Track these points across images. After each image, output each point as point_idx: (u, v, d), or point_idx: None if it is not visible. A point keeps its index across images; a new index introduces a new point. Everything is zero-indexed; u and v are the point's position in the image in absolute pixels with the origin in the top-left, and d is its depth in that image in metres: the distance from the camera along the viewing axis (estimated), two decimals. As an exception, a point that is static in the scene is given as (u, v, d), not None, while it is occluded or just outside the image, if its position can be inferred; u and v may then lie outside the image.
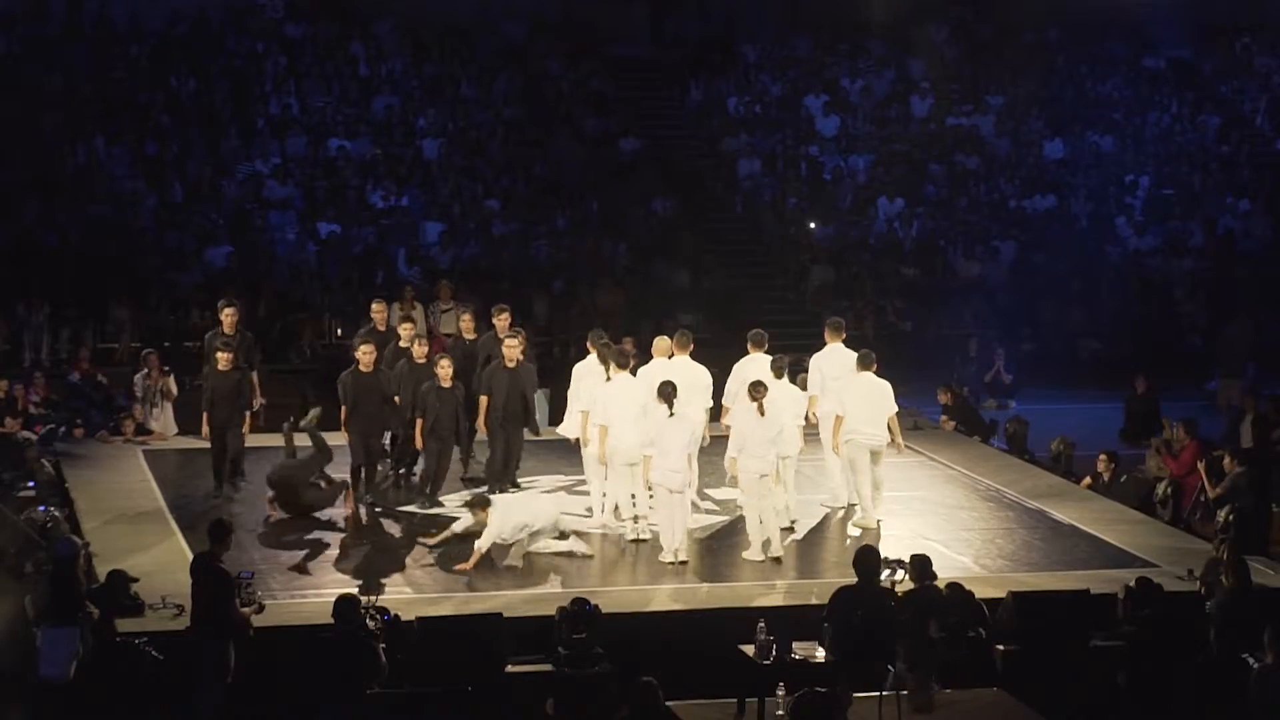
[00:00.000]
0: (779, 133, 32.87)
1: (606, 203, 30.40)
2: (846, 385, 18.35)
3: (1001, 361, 27.78)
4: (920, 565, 14.45)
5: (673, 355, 18.55)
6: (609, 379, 18.09)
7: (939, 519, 18.87)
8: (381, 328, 20.36)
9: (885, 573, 14.16)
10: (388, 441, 19.58)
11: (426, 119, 31.30)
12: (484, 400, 18.91)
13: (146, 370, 22.24)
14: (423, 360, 19.24)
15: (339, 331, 27.00)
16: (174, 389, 22.13)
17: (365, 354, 18.73)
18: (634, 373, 18.19)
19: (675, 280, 28.92)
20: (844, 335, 19.10)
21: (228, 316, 19.89)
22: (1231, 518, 17.70)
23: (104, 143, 29.18)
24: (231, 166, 29.46)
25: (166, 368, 22.42)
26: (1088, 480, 20.49)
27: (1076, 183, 32.97)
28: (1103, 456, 20.58)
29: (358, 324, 26.77)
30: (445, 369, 18.61)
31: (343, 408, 18.57)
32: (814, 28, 35.03)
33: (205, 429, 19.13)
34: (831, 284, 29.50)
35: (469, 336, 20.30)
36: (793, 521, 18.18)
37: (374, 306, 21.07)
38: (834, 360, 18.82)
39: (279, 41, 32.16)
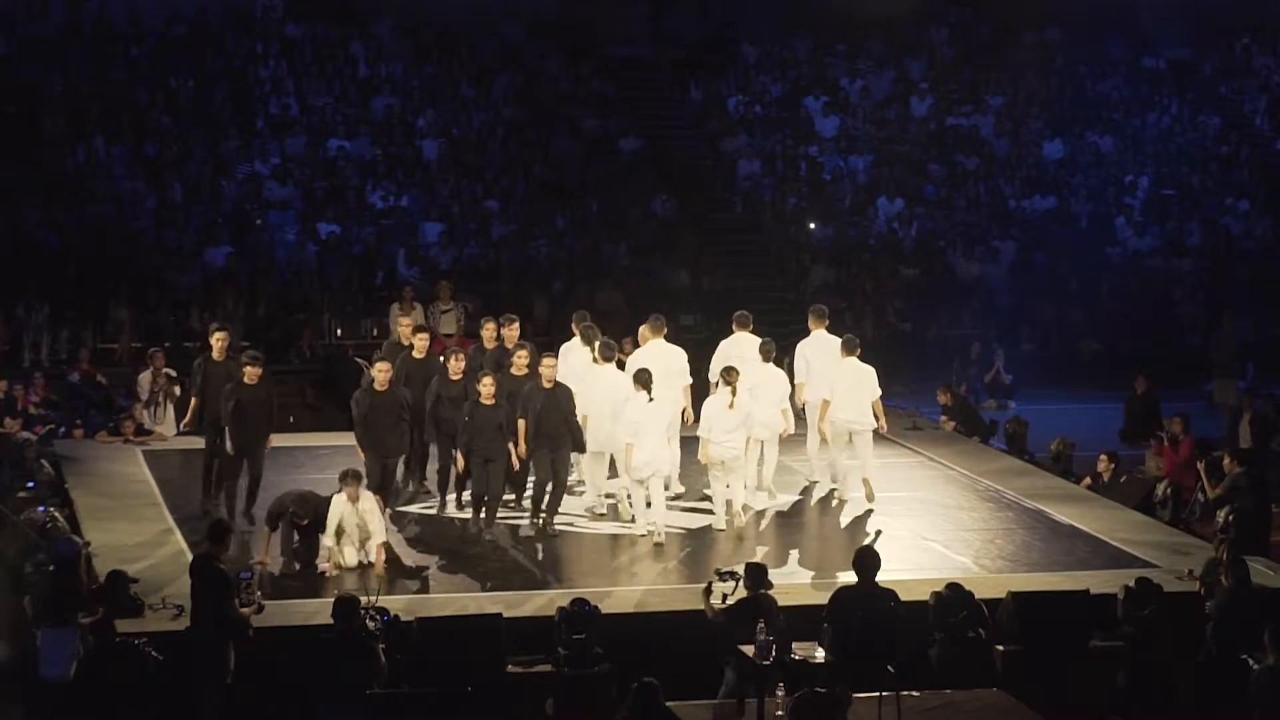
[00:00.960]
0: (779, 133, 32.87)
1: (606, 203, 30.40)
2: (832, 370, 18.80)
3: (1001, 362, 27.79)
4: (754, 573, 14.16)
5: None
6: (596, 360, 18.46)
7: (939, 519, 18.87)
8: (406, 341, 19.53)
9: (719, 582, 14.18)
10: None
11: (426, 119, 31.30)
12: (523, 423, 17.75)
13: (152, 369, 22.16)
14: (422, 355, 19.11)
15: (339, 331, 27.04)
16: (177, 391, 22.08)
17: (382, 372, 17.90)
18: (621, 366, 18.48)
19: (675, 280, 28.93)
20: (827, 322, 19.61)
21: (218, 341, 18.88)
22: (1231, 518, 17.70)
23: (104, 143, 29.18)
24: (231, 167, 29.47)
25: (172, 373, 22.29)
26: (1088, 480, 20.49)
27: (1076, 183, 32.98)
28: (1103, 456, 20.59)
29: (357, 324, 26.99)
30: (488, 386, 17.55)
31: (356, 428, 17.86)
32: (814, 28, 35.01)
33: (230, 445, 17.92)
34: (831, 284, 29.51)
35: (489, 345, 19.30)
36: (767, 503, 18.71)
37: (402, 321, 20.57)
38: (819, 347, 19.30)
39: (279, 41, 32.16)
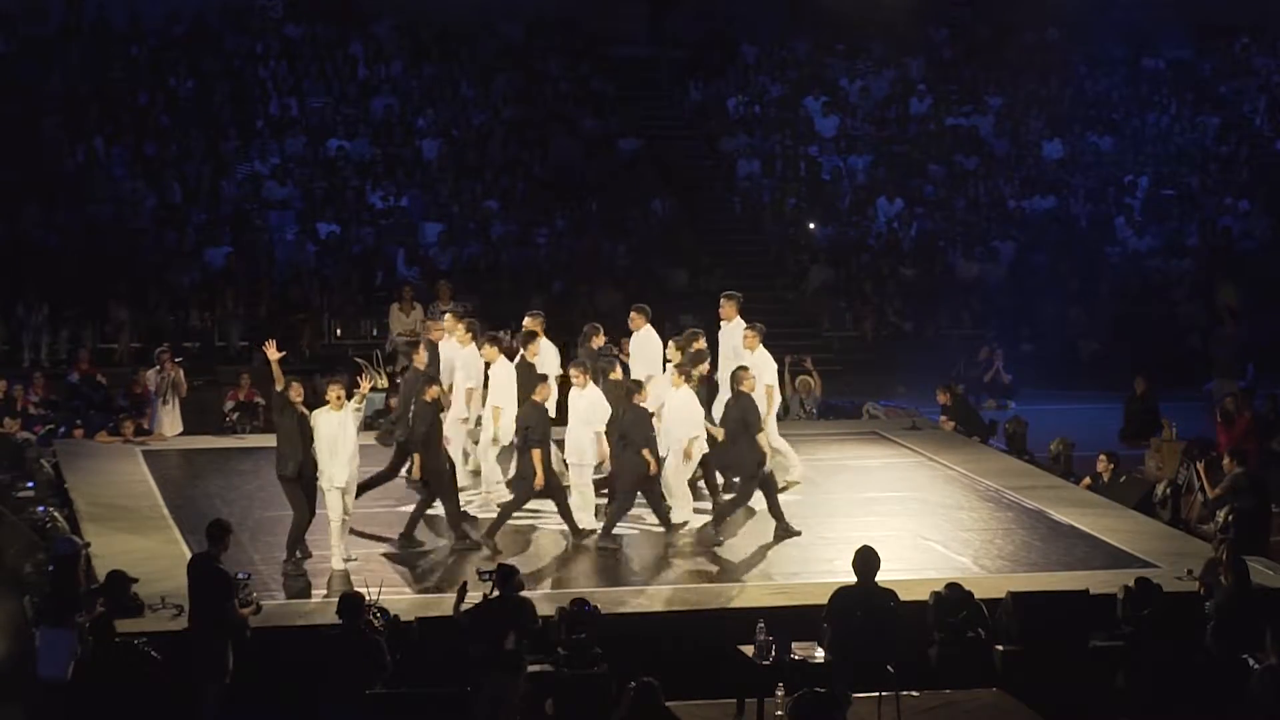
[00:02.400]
0: (778, 133, 32.88)
1: (606, 203, 30.41)
2: (768, 361, 19.09)
3: (1001, 362, 27.79)
4: (503, 576, 13.95)
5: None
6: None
7: (939, 519, 18.88)
8: (436, 338, 19.22)
9: (479, 583, 14.01)
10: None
11: (426, 119, 31.30)
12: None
13: (160, 365, 22.09)
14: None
15: (339, 331, 27.04)
16: (184, 385, 22.04)
17: (545, 391, 17.48)
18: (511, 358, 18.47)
19: (674, 280, 28.94)
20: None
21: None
22: (1231, 518, 17.71)
23: (103, 143, 29.19)
24: (231, 167, 29.48)
25: (179, 358, 22.27)
26: (1087, 480, 20.50)
27: (1075, 183, 32.98)
28: (1102, 456, 20.60)
29: (357, 324, 26.97)
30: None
31: (538, 454, 17.03)
32: (814, 28, 35.00)
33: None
34: (831, 284, 29.52)
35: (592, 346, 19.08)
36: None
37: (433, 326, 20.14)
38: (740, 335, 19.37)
39: (278, 42, 32.16)
